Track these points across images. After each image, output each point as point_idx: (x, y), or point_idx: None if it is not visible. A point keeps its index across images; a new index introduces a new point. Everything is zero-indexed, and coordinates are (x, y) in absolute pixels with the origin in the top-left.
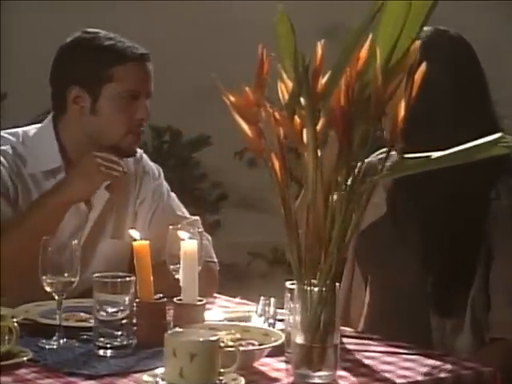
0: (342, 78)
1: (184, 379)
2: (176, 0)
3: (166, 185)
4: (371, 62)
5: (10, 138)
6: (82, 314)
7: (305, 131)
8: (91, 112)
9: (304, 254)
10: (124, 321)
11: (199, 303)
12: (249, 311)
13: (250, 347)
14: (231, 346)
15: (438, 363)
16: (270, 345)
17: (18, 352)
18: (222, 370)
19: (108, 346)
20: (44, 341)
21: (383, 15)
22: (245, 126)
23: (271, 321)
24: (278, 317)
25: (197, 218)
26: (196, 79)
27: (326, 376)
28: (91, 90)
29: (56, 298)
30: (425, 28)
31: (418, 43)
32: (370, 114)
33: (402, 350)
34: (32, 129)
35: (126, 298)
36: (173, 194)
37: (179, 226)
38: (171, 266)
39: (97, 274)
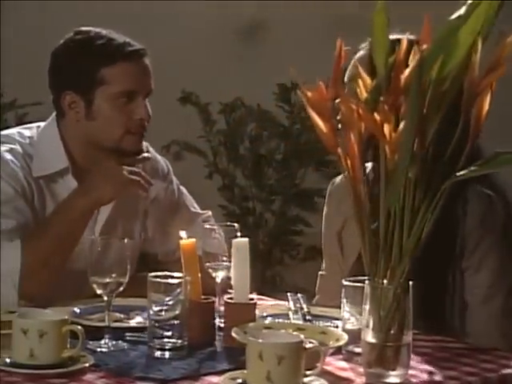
0: (429, 73)
1: (271, 383)
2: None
3: (175, 180)
4: (453, 56)
5: (17, 137)
6: (117, 313)
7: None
8: (86, 117)
9: (380, 254)
10: (175, 321)
11: (251, 302)
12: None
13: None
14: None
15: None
16: (339, 344)
17: (78, 357)
18: (307, 372)
19: (166, 347)
20: (91, 343)
21: (475, 12)
22: (319, 122)
23: (308, 317)
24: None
25: (209, 213)
26: None
27: (401, 375)
28: (84, 95)
29: (105, 298)
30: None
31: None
32: (462, 108)
33: (451, 345)
34: (36, 127)
35: (177, 298)
36: (183, 189)
37: (211, 223)
38: (207, 264)
39: (151, 274)
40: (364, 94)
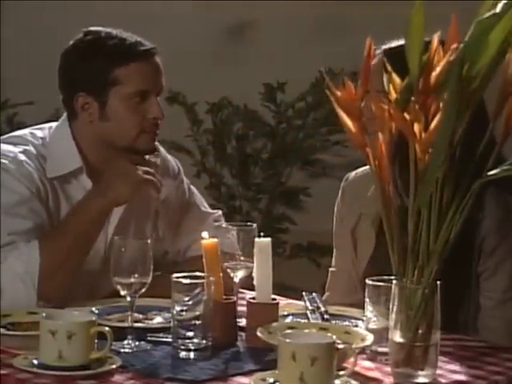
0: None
1: None
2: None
3: (186, 180)
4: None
5: (30, 138)
6: (135, 314)
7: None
8: (100, 118)
9: (408, 254)
10: (196, 321)
11: (273, 302)
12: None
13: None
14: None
15: None
16: (365, 344)
17: (105, 358)
18: (339, 373)
19: (191, 348)
20: (114, 343)
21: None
22: (348, 121)
23: (326, 316)
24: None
25: (219, 212)
26: None
27: (429, 375)
28: (98, 96)
29: (128, 299)
30: None
31: None
32: (494, 107)
33: (471, 344)
34: (47, 128)
35: (196, 298)
36: (194, 189)
37: (223, 223)
38: (225, 264)
39: (175, 275)
40: (393, 94)
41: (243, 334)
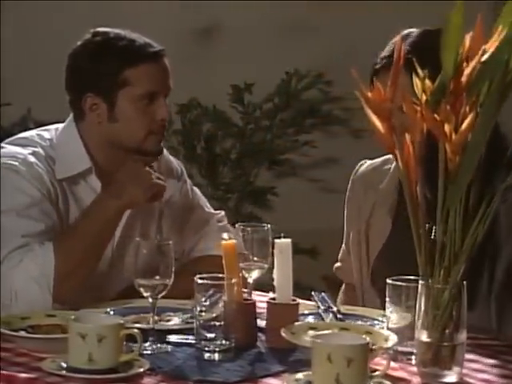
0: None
1: None
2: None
3: (189, 181)
4: None
5: (38, 140)
6: (149, 315)
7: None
8: (109, 119)
9: (436, 254)
10: (215, 322)
11: (294, 302)
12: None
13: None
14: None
15: None
16: (390, 344)
17: (133, 360)
18: (373, 374)
19: (215, 349)
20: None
21: None
22: (377, 122)
23: (339, 316)
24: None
25: (222, 213)
26: None
27: (456, 374)
28: (106, 97)
29: (150, 300)
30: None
31: None
32: None
33: (487, 342)
34: (54, 130)
35: (212, 299)
36: (197, 190)
37: (226, 223)
38: (240, 265)
39: (199, 276)
40: (422, 95)
41: (260, 334)
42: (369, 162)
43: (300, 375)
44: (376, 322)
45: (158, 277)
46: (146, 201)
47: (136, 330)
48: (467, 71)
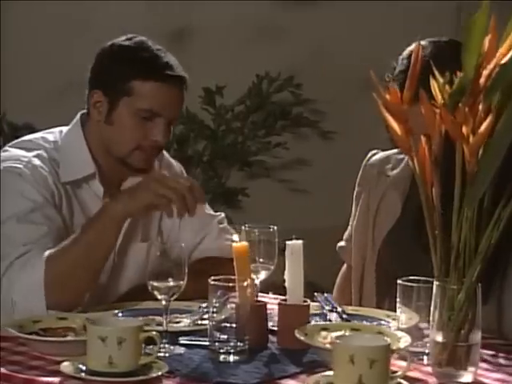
0: None
1: None
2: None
3: None
4: None
5: (42, 142)
6: (158, 317)
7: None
8: (106, 120)
9: (452, 255)
10: (226, 323)
11: (305, 304)
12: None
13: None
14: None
15: None
16: (406, 344)
17: (151, 363)
18: (392, 375)
19: (230, 351)
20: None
21: None
22: (394, 124)
23: (345, 316)
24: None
25: (222, 215)
26: (53, 77)
27: (472, 374)
28: (110, 99)
29: (163, 303)
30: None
31: None
32: None
33: (492, 341)
34: (58, 132)
35: (220, 301)
36: None
37: (226, 225)
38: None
39: (213, 277)
40: (439, 96)
41: (270, 335)
42: (379, 153)
43: (320, 376)
44: (383, 322)
45: (171, 279)
46: (146, 210)
47: (155, 333)
48: (485, 73)
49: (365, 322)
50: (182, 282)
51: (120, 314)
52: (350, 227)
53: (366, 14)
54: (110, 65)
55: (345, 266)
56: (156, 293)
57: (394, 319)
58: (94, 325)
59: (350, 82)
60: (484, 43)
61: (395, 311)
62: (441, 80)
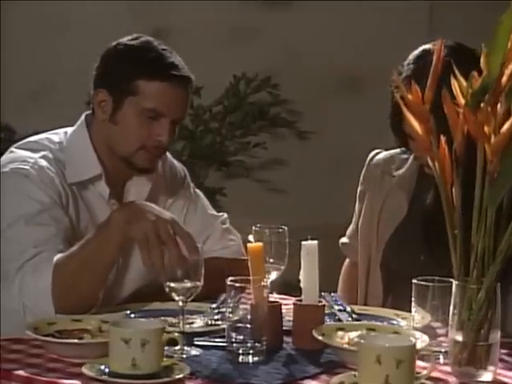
0: None
1: None
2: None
3: (192, 184)
4: None
5: (47, 143)
6: (169, 318)
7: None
8: (110, 119)
9: (472, 254)
10: (240, 324)
11: (320, 304)
12: None
13: None
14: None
15: None
16: (423, 345)
17: (172, 364)
18: (419, 375)
19: (249, 352)
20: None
21: None
22: (415, 124)
23: (355, 316)
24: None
25: (225, 215)
26: (31, 78)
27: (492, 373)
28: (116, 98)
29: (180, 304)
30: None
31: None
32: None
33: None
34: (63, 133)
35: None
36: (199, 193)
37: (229, 226)
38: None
39: (231, 278)
40: (460, 96)
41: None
42: (382, 152)
43: (343, 377)
44: (394, 322)
45: (187, 280)
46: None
47: (177, 334)
48: (508, 72)
49: (374, 322)
50: (198, 283)
51: (132, 316)
52: (352, 225)
53: (339, 14)
54: (116, 64)
55: (347, 263)
56: (173, 294)
57: (403, 318)
58: (117, 327)
59: (325, 82)
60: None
61: (400, 310)
62: (462, 80)
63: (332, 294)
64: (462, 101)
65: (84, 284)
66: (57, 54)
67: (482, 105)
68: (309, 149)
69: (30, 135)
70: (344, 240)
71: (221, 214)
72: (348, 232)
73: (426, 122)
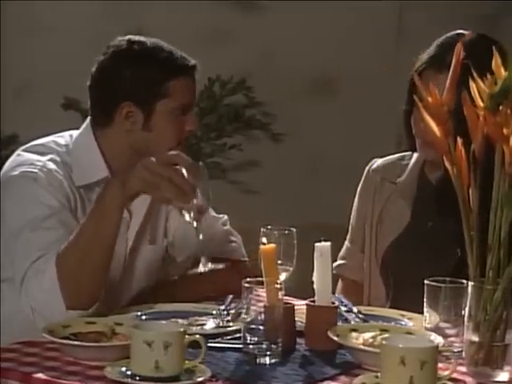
0: None
1: None
2: None
3: None
4: None
5: (54, 146)
6: (180, 320)
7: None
8: (143, 128)
9: (488, 255)
10: (256, 326)
11: (333, 305)
12: None
13: None
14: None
15: None
16: (437, 345)
17: (193, 367)
18: (441, 375)
19: (268, 353)
20: None
21: None
22: (434, 126)
23: (362, 317)
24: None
25: (226, 217)
26: (7, 79)
27: (508, 373)
28: (145, 107)
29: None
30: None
31: None
32: None
33: None
34: (68, 136)
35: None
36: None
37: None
38: None
39: (247, 279)
40: (478, 99)
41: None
42: (381, 159)
43: (364, 378)
44: (402, 322)
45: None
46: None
47: (198, 336)
48: None
49: (380, 322)
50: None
51: (143, 317)
52: (347, 244)
53: (312, 16)
54: (135, 73)
55: (340, 284)
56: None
57: (409, 319)
58: (139, 329)
59: (298, 84)
60: None
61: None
62: (480, 83)
63: (336, 295)
64: (480, 103)
65: (90, 265)
66: (31, 55)
67: (500, 107)
68: (283, 150)
69: (10, 136)
70: (339, 262)
71: (221, 215)
72: (342, 253)
73: (444, 123)
